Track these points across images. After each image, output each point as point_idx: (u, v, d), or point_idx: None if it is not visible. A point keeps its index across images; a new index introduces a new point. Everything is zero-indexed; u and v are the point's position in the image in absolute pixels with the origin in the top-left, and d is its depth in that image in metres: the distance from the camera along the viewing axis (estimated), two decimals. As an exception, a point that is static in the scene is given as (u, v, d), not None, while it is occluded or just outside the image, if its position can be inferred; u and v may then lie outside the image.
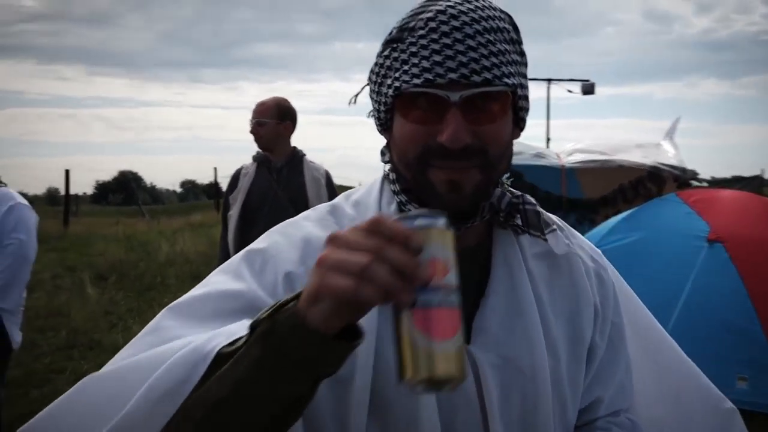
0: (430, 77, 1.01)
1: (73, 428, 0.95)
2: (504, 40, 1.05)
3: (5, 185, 4.23)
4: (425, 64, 1.01)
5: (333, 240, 0.81)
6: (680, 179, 8.86)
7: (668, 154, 9.14)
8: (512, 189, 1.17)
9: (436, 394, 0.86)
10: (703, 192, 6.35)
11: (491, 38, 1.03)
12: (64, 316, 7.99)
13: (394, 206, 1.15)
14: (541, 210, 1.16)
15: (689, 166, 9.02)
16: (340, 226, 1.12)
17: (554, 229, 1.16)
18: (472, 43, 1.01)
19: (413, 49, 1.03)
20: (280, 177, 4.04)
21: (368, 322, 0.97)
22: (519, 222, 1.15)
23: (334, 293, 0.78)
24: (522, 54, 1.11)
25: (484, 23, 1.03)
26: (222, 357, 0.88)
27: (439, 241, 0.82)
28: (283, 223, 1.17)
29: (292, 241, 1.10)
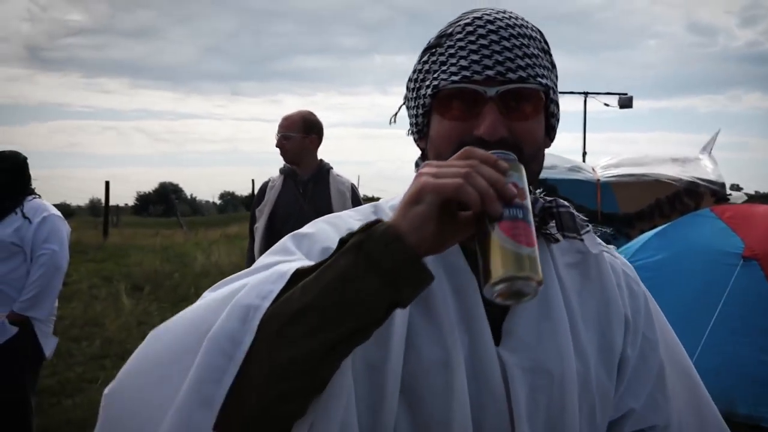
0: (468, 74, 1.07)
1: (158, 364, 0.99)
2: (536, 47, 1.12)
3: (39, 197, 4.32)
4: (463, 62, 1.08)
5: (429, 163, 0.91)
6: (718, 194, 8.70)
7: (707, 169, 8.99)
8: (545, 197, 1.19)
9: (515, 303, 0.89)
10: (739, 207, 6.21)
11: (525, 42, 1.10)
12: (99, 326, 8.11)
13: None
14: (575, 212, 1.19)
15: (733, 180, 8.87)
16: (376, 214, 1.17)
17: (589, 230, 1.21)
18: (507, 44, 1.08)
19: (451, 51, 1.10)
20: (306, 190, 4.06)
21: (401, 314, 1.03)
22: (553, 227, 1.17)
23: (438, 189, 0.87)
24: (553, 65, 1.18)
25: (518, 29, 1.10)
26: (301, 275, 0.94)
27: (517, 172, 0.93)
28: (328, 215, 1.20)
29: (339, 229, 1.12)
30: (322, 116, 4.28)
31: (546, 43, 1.17)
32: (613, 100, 24.75)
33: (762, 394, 4.37)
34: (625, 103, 24.26)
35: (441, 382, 1.04)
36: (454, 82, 1.08)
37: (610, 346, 1.18)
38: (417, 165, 1.22)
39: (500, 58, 1.07)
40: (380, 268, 0.88)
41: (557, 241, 1.18)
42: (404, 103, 1.23)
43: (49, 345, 4.12)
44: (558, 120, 1.20)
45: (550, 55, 1.18)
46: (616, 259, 1.28)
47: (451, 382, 1.04)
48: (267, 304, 0.93)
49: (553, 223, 1.18)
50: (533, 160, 1.10)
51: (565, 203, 1.20)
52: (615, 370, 1.19)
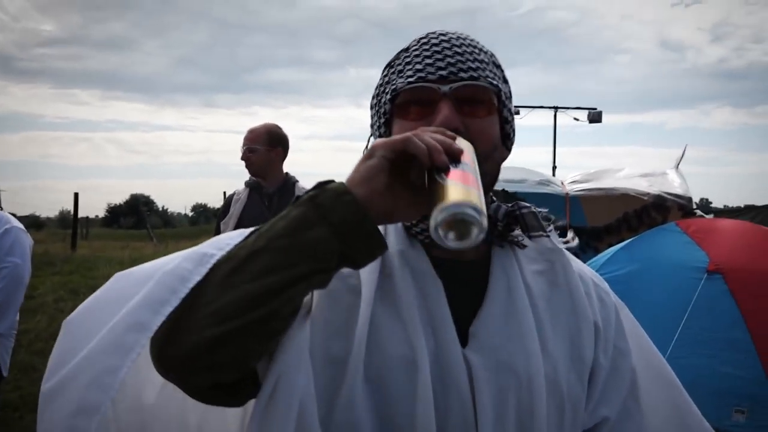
0: (423, 75, 1.15)
1: (115, 299, 1.02)
2: (487, 60, 1.20)
3: (1, 209, 4.27)
4: (418, 66, 1.16)
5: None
6: (685, 208, 8.81)
7: (674, 183, 9.10)
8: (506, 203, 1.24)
9: (459, 244, 0.88)
10: (703, 222, 6.30)
11: (476, 52, 1.19)
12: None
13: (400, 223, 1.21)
14: (537, 210, 1.22)
15: (703, 195, 9.00)
16: None
17: (552, 229, 1.24)
18: (458, 50, 1.17)
19: (407, 60, 1.19)
20: (272, 203, 4.06)
21: (364, 309, 1.08)
22: (519, 234, 1.21)
23: (388, 143, 0.96)
24: (505, 80, 1.25)
25: (469, 42, 1.20)
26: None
27: (465, 143, 1.02)
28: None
29: None
30: (295, 129, 4.35)
31: (498, 62, 1.25)
32: (583, 115, 25.05)
33: (727, 406, 4.42)
34: (595, 117, 24.54)
35: (405, 379, 1.06)
36: (410, 83, 1.15)
37: (580, 352, 1.20)
38: None
39: (452, 61, 1.16)
40: (330, 217, 0.93)
41: (523, 247, 1.22)
42: (371, 132, 1.27)
43: (5, 360, 4.04)
44: (513, 130, 1.24)
45: (503, 71, 1.25)
46: (584, 272, 1.30)
47: (415, 380, 1.06)
48: (222, 253, 0.98)
49: (518, 230, 1.21)
50: (487, 158, 1.14)
51: (527, 204, 1.23)
52: (586, 376, 1.20)
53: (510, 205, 1.22)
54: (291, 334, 1.02)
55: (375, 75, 1.27)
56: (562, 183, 9.52)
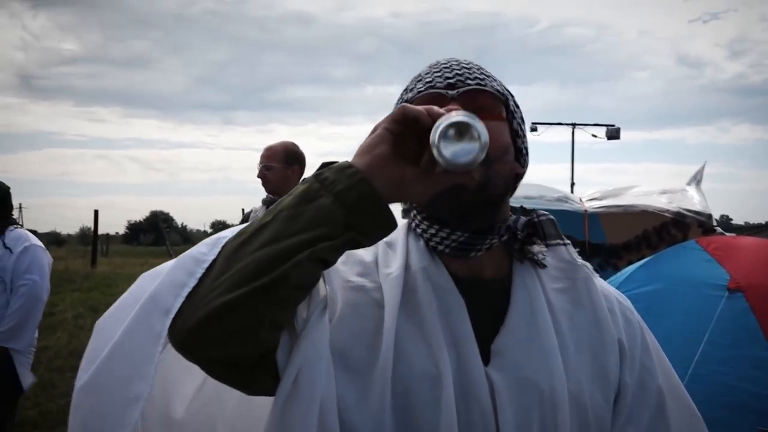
0: (431, 84, 1.20)
1: (139, 297, 1.06)
2: (493, 77, 1.24)
3: (21, 226, 4.31)
4: (428, 79, 1.21)
5: None
6: (705, 225, 8.73)
7: (693, 200, 9.03)
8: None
9: (458, 144, 0.95)
10: (724, 239, 6.23)
11: (482, 68, 1.24)
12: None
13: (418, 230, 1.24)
14: (555, 220, 1.25)
15: (722, 212, 8.92)
16: (377, 246, 1.21)
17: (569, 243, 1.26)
18: (465, 65, 1.22)
19: (418, 79, 1.23)
20: (289, 221, 4.04)
21: (389, 324, 1.09)
22: (539, 251, 1.22)
23: (388, 117, 0.99)
24: (517, 106, 1.26)
25: (477, 64, 1.25)
26: None
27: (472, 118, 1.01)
28: None
29: None
30: (313, 146, 4.35)
31: (507, 89, 1.27)
32: (601, 132, 25.00)
33: (750, 425, 4.35)
34: (613, 134, 24.50)
35: (429, 395, 1.07)
36: (420, 92, 1.20)
37: (604, 371, 1.19)
38: (404, 212, 1.32)
39: (459, 71, 1.20)
40: (333, 187, 0.96)
41: (544, 267, 1.22)
42: None
43: (27, 377, 4.07)
44: (527, 148, 1.26)
45: (513, 96, 1.26)
46: (609, 290, 1.29)
47: (439, 396, 1.06)
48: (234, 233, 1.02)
49: (538, 246, 1.22)
50: (496, 161, 1.14)
51: (545, 212, 1.25)
52: (612, 395, 1.19)
53: (528, 212, 1.23)
54: (310, 326, 1.03)
55: (392, 92, 1.31)
56: (581, 200, 9.48)
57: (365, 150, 0.99)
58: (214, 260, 1.00)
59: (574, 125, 25.98)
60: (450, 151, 0.94)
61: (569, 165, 26.61)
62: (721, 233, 8.87)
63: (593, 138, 25.64)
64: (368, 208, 0.96)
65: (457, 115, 0.96)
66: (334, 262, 1.01)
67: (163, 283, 1.01)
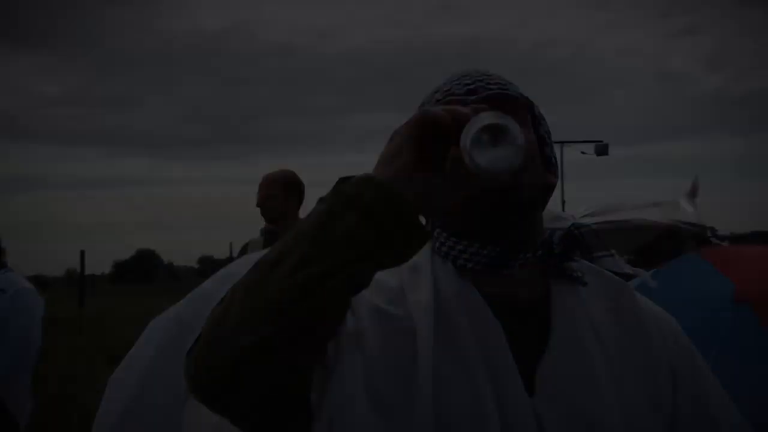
0: (450, 92, 1.13)
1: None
2: (516, 87, 1.16)
3: (12, 270, 4.21)
4: (445, 89, 1.14)
5: None
6: (700, 237, 8.72)
7: (687, 212, 9.04)
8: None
9: (493, 151, 0.88)
10: (726, 249, 6.19)
11: (503, 77, 1.16)
12: (77, 402, 7.89)
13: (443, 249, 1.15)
14: (598, 230, 1.20)
15: (708, 223, 8.95)
16: (400, 271, 1.10)
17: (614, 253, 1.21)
18: (484, 72, 1.15)
19: (435, 90, 1.17)
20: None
21: (424, 356, 1.01)
22: (578, 269, 1.13)
23: (405, 123, 0.92)
24: (542, 117, 1.19)
25: (497, 73, 1.17)
26: None
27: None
28: None
29: None
30: (299, 176, 4.24)
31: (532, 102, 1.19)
32: (590, 148, 25.21)
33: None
34: (601, 150, 24.75)
35: None
36: (438, 101, 1.12)
37: (657, 398, 1.10)
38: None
39: (478, 77, 1.13)
40: (356, 203, 0.87)
41: (585, 284, 1.13)
42: None
43: (24, 419, 3.98)
44: (555, 156, 1.18)
45: (537, 107, 1.19)
46: (654, 308, 1.20)
47: None
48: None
49: (576, 263, 1.14)
50: (525, 168, 1.03)
51: (585, 223, 1.20)
52: (665, 425, 1.10)
53: (567, 227, 1.16)
54: (342, 359, 0.97)
55: (377, 119, 1.21)
56: (573, 217, 9.48)
57: (386, 160, 0.91)
58: (227, 295, 0.92)
59: (562, 143, 26.25)
60: (485, 157, 0.86)
61: (558, 183, 26.91)
62: (718, 243, 8.89)
63: (581, 156, 25.88)
64: (402, 222, 0.88)
65: (489, 116, 0.88)
66: (368, 284, 0.92)
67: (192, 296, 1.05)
